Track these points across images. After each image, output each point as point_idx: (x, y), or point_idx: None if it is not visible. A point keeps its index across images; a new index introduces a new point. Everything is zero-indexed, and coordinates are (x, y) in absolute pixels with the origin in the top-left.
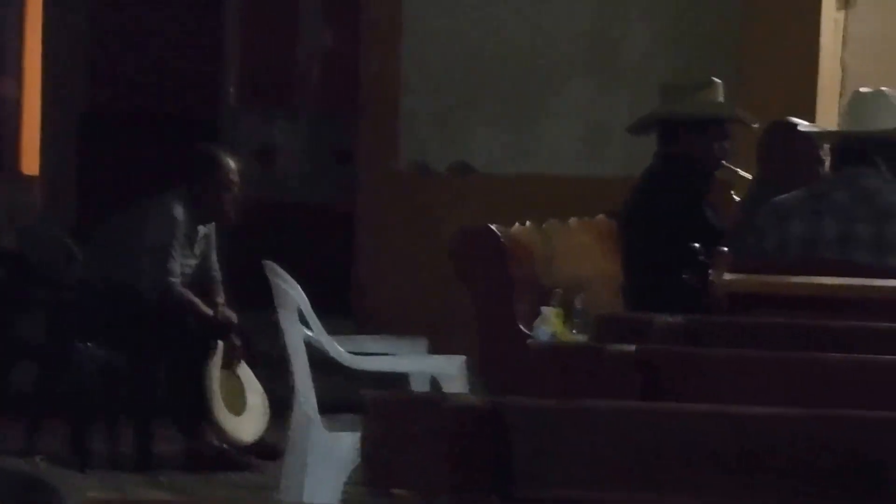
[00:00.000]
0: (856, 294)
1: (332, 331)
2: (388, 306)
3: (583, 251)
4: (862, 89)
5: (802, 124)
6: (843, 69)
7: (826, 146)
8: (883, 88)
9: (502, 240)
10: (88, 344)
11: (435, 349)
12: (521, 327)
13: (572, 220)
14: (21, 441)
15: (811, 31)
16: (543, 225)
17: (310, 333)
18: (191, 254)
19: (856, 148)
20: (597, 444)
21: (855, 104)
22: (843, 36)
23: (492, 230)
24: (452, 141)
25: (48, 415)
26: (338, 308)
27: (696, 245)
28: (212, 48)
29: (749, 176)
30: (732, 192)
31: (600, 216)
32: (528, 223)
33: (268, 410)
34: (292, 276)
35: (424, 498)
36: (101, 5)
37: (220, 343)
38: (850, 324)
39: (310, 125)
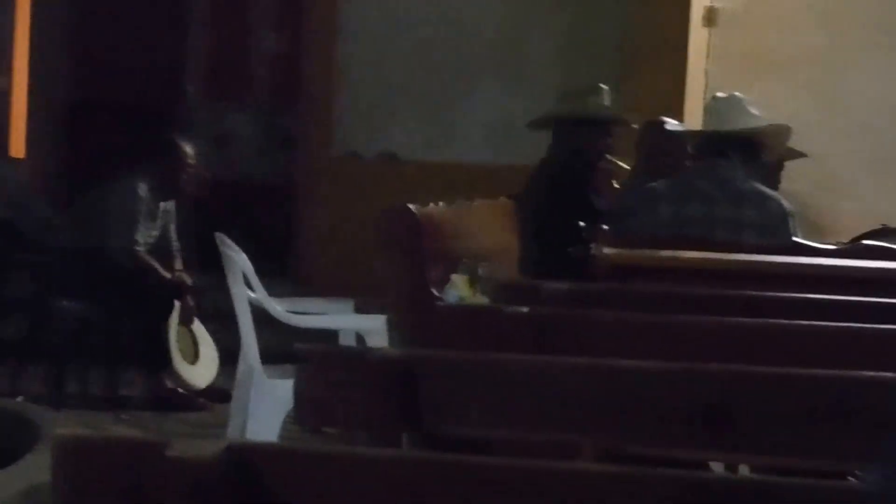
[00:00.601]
0: (716, 266)
1: (274, 293)
2: (322, 272)
3: (487, 227)
4: (719, 94)
5: (671, 123)
6: (707, 77)
7: (691, 142)
8: (736, 93)
9: (418, 217)
10: (65, 300)
11: (361, 309)
12: (433, 291)
13: (478, 201)
14: (5, 383)
15: (680, 45)
16: (454, 205)
17: (253, 295)
18: (153, 226)
19: (715, 144)
20: (491, 390)
21: (713, 107)
22: (708, 49)
23: (409, 209)
24: (380, 131)
25: (30, 361)
26: (280, 273)
27: (581, 224)
28: (176, 48)
29: (627, 167)
30: (613, 180)
31: (502, 198)
32: (441, 203)
33: (218, 360)
34: (242, 245)
35: (348, 435)
36: (83, 7)
37: (178, 302)
38: (711, 291)
39: (259, 115)
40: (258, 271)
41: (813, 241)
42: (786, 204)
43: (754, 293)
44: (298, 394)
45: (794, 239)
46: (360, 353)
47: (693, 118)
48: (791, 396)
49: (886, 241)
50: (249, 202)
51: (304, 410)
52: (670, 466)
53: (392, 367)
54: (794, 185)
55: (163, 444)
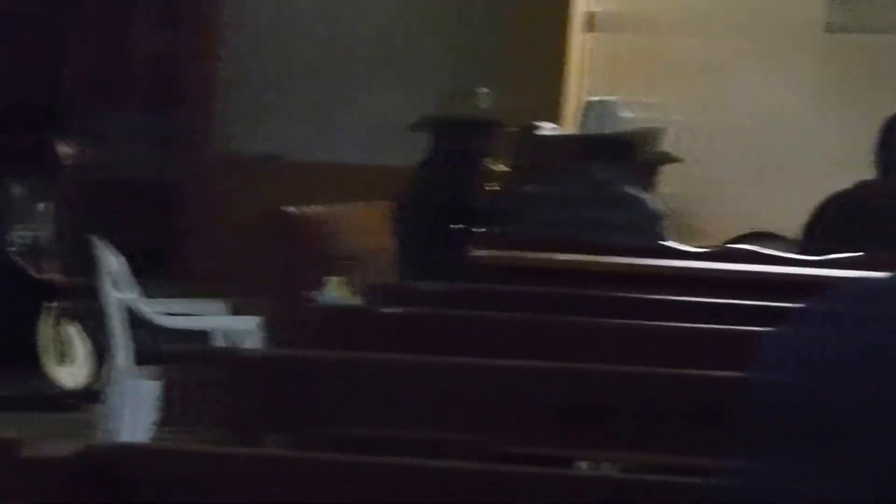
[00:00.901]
0: (587, 267)
1: (152, 294)
2: (201, 272)
3: (366, 230)
4: (592, 98)
5: (547, 127)
6: (587, 81)
7: (565, 146)
8: (609, 98)
9: (295, 219)
10: None
11: (238, 310)
12: (310, 292)
13: (358, 204)
14: None
15: (558, 49)
16: (333, 207)
17: (128, 296)
18: (29, 227)
19: (587, 147)
20: (362, 389)
21: (586, 111)
22: (588, 54)
23: (287, 212)
24: (262, 131)
25: None
26: (159, 273)
27: (459, 226)
28: (55, 47)
29: (507, 169)
30: (492, 183)
31: (382, 201)
32: (321, 206)
33: (92, 361)
34: (121, 246)
35: (216, 434)
36: None
37: (51, 303)
38: (581, 292)
39: (140, 115)
40: (137, 272)
41: (688, 244)
42: (657, 207)
43: (623, 294)
44: (167, 394)
45: (663, 242)
46: (229, 353)
47: (572, 122)
48: (655, 395)
49: (758, 245)
50: (129, 202)
51: (173, 410)
52: (537, 464)
53: (260, 367)
54: (672, 188)
55: (18, 444)
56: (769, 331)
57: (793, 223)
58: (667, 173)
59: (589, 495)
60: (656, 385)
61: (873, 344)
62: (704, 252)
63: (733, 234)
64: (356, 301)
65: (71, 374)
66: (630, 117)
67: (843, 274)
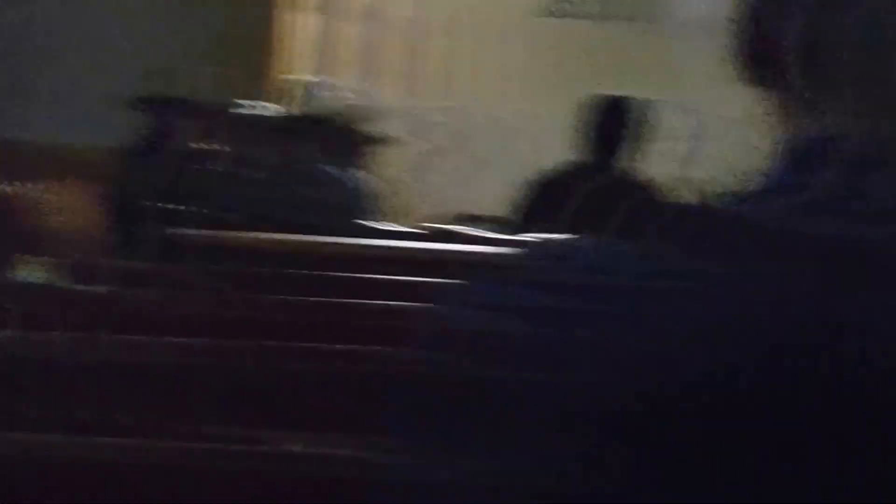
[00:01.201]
0: (290, 247)
1: None
2: None
3: (68, 209)
4: (301, 78)
5: (253, 106)
6: (298, 62)
7: (271, 125)
8: (320, 78)
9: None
10: None
11: None
12: (6, 272)
13: (62, 182)
14: None
15: (269, 29)
16: (35, 185)
17: None
18: None
19: (292, 126)
20: (50, 370)
21: (297, 91)
22: (300, 34)
23: None
24: None
25: None
26: None
27: (164, 205)
28: None
29: (213, 148)
30: (199, 161)
31: (86, 180)
32: (22, 183)
33: None
34: None
35: None
36: None
37: None
38: (282, 271)
39: None
40: None
41: (400, 224)
42: (358, 186)
43: (322, 273)
44: None
45: (363, 221)
46: None
47: (282, 102)
48: (340, 371)
49: (471, 227)
50: None
51: None
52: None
53: None
54: (387, 169)
55: None
56: (424, 307)
57: (506, 205)
58: (382, 154)
59: (266, 471)
60: (343, 362)
61: (520, 324)
62: (404, 232)
63: (446, 215)
64: (55, 280)
65: None
66: (343, 98)
67: (508, 251)
